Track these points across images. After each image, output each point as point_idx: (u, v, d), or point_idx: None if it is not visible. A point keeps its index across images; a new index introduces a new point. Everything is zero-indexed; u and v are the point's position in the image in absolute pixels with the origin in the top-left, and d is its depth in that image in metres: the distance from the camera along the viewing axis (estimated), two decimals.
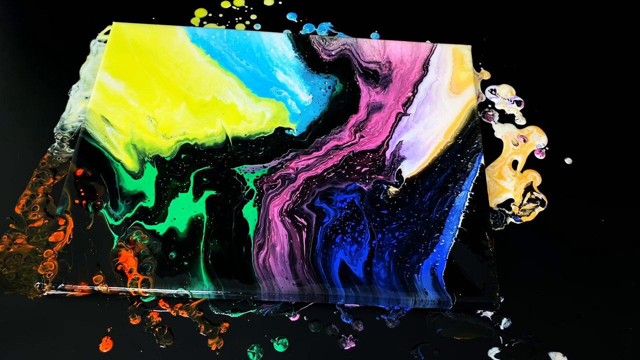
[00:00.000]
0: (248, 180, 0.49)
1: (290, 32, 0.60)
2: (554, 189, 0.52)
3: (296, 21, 0.61)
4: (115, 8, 0.61)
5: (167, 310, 0.45)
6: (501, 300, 0.46)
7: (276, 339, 0.44)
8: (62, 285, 0.43)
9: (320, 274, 0.45)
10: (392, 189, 0.49)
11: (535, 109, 0.57)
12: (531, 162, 0.54)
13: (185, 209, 0.47)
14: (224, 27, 0.60)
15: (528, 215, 0.51)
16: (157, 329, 0.44)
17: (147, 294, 0.45)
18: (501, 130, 0.56)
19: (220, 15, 0.61)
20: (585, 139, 0.56)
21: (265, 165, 0.50)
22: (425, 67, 0.56)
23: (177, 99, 0.53)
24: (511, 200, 0.52)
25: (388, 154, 0.51)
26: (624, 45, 0.63)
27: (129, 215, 0.46)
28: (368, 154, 0.51)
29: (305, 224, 0.47)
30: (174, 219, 0.47)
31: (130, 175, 0.49)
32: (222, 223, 0.47)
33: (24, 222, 0.47)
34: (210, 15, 0.61)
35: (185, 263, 0.45)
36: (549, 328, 0.46)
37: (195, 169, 0.49)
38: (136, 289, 0.44)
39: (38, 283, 0.44)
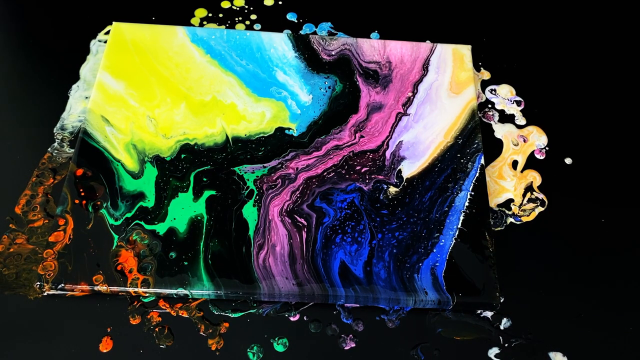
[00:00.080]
0: (248, 180, 0.49)
1: (290, 32, 0.60)
2: (554, 189, 0.52)
3: (296, 21, 0.61)
4: (115, 8, 0.61)
5: (167, 310, 0.45)
6: (501, 300, 0.46)
7: (276, 339, 0.44)
8: (62, 285, 0.43)
9: (320, 274, 0.45)
10: (392, 189, 0.49)
11: (535, 109, 0.57)
12: (531, 162, 0.54)
13: (185, 209, 0.47)
14: (224, 27, 0.60)
15: (528, 215, 0.51)
16: (157, 329, 0.44)
17: (147, 294, 0.45)
18: (501, 130, 0.56)
19: (220, 15, 0.61)
20: (585, 139, 0.56)
21: (265, 165, 0.50)
22: (425, 67, 0.56)
23: (177, 99, 0.53)
24: (511, 200, 0.52)
25: (388, 154, 0.51)
26: (624, 45, 0.63)
27: (129, 215, 0.46)
28: (368, 154, 0.51)
29: (305, 224, 0.47)
30: (174, 219, 0.47)
31: (130, 175, 0.49)
32: (222, 223, 0.47)
33: (24, 222, 0.47)
34: (210, 15, 0.61)
35: (185, 263, 0.45)
36: (549, 328, 0.46)
37: (195, 169, 0.49)
38: (136, 289, 0.44)
39: (38, 283, 0.44)
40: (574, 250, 0.50)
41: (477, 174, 0.50)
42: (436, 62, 0.57)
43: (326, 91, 0.54)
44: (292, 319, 0.45)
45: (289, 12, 0.62)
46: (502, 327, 0.46)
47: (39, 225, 0.47)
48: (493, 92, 0.58)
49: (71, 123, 0.53)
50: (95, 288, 0.44)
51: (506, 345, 0.45)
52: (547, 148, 0.55)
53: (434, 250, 0.46)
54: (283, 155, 0.50)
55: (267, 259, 0.45)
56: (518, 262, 0.49)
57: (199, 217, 0.47)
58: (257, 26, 0.61)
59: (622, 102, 0.59)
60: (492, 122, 0.56)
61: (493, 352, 0.45)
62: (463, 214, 0.48)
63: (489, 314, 0.46)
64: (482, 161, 0.51)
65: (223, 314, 0.45)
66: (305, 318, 0.45)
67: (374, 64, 0.56)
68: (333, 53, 0.57)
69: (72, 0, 0.62)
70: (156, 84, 0.53)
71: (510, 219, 0.51)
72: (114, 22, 0.57)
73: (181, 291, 0.44)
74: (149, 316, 0.44)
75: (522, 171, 0.53)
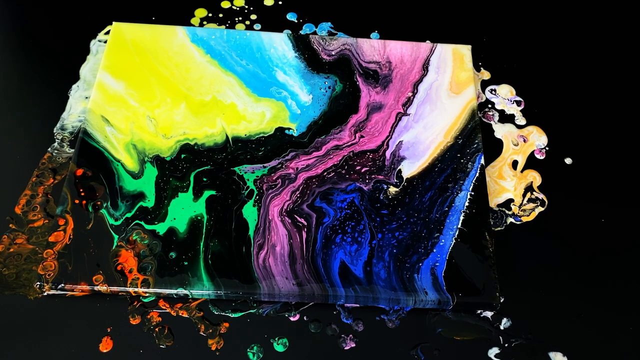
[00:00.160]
0: (248, 180, 0.49)
1: (290, 32, 0.60)
2: (554, 189, 0.52)
3: (296, 21, 0.61)
4: (115, 8, 0.61)
5: (167, 310, 0.45)
6: (501, 300, 0.46)
7: (276, 339, 0.44)
8: (62, 285, 0.43)
9: (320, 274, 0.45)
10: (392, 189, 0.49)
11: (535, 109, 0.57)
12: (531, 162, 0.54)
13: (185, 209, 0.47)
14: (224, 27, 0.60)
15: (528, 215, 0.51)
16: (157, 329, 0.44)
17: (147, 294, 0.45)
18: (501, 130, 0.56)
19: (220, 15, 0.61)
20: (585, 139, 0.56)
21: (265, 165, 0.50)
22: (425, 67, 0.56)
23: (177, 99, 0.53)
24: (511, 200, 0.52)
25: (388, 154, 0.51)
26: (624, 45, 0.63)
27: (129, 215, 0.46)
28: (368, 154, 0.51)
29: (305, 224, 0.47)
30: (174, 219, 0.47)
31: (130, 175, 0.49)
32: (222, 223, 0.47)
33: (24, 222, 0.47)
34: (210, 15, 0.61)
35: (185, 263, 0.45)
36: (549, 328, 0.46)
37: (195, 169, 0.49)
38: (136, 289, 0.44)
39: (38, 283, 0.44)
40: (574, 250, 0.50)
41: (477, 174, 0.50)
42: (436, 62, 0.57)
43: (326, 91, 0.54)
44: (292, 319, 0.45)
45: (289, 12, 0.62)
46: (502, 327, 0.46)
47: (39, 225, 0.47)
48: (493, 92, 0.58)
49: (71, 123, 0.53)
50: (95, 288, 0.44)
51: (506, 345, 0.45)
52: (547, 148, 0.55)
53: (434, 250, 0.46)
54: (283, 155, 0.50)
55: (267, 259, 0.45)
56: (518, 262, 0.49)
57: (199, 217, 0.47)
58: (257, 26, 0.61)
59: (622, 102, 0.59)
60: (492, 122, 0.56)
61: (493, 352, 0.45)
62: (463, 214, 0.48)
63: (489, 314, 0.46)
64: (482, 161, 0.51)
65: (223, 314, 0.45)
66: (305, 318, 0.45)
67: (374, 64, 0.56)
68: (333, 53, 0.57)
69: (72, 0, 0.62)
70: (156, 84, 0.53)
71: (510, 219, 0.51)
72: (114, 22, 0.57)
73: (181, 291, 0.44)
74: (149, 316, 0.44)
75: (522, 171, 0.53)
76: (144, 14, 0.61)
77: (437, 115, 0.53)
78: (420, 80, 0.55)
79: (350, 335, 0.45)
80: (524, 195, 0.52)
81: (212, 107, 0.53)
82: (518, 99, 0.58)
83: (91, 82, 0.55)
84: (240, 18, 0.61)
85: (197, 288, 0.44)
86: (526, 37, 0.63)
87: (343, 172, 0.50)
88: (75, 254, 0.45)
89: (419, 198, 0.49)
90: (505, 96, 0.58)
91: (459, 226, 0.48)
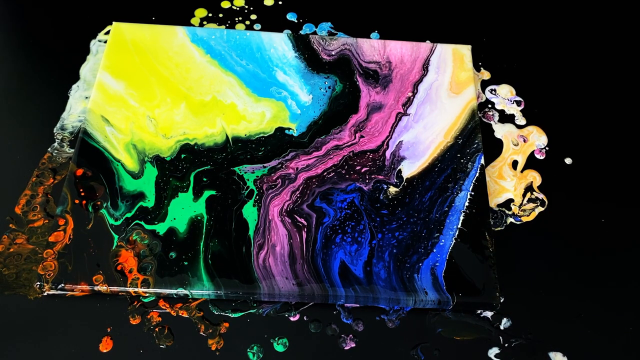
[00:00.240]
0: (248, 180, 0.49)
1: (290, 32, 0.60)
2: (554, 189, 0.52)
3: (296, 21, 0.61)
4: (115, 8, 0.61)
5: (167, 310, 0.45)
6: (501, 300, 0.46)
7: (276, 339, 0.44)
8: (62, 285, 0.43)
9: (320, 274, 0.45)
10: (392, 189, 0.49)
11: (535, 109, 0.57)
12: (531, 162, 0.54)
13: (185, 209, 0.47)
14: (224, 27, 0.60)
15: (528, 215, 0.51)
16: (157, 329, 0.44)
17: (147, 294, 0.45)
18: (501, 130, 0.56)
19: (220, 15, 0.61)
20: (585, 139, 0.56)
21: (265, 165, 0.50)
22: (425, 67, 0.56)
23: (177, 99, 0.53)
24: (511, 200, 0.52)
25: (388, 154, 0.51)
26: (624, 45, 0.63)
27: (129, 215, 0.46)
28: (368, 154, 0.51)
29: (305, 224, 0.47)
30: (174, 219, 0.47)
31: (130, 175, 0.49)
32: (222, 223, 0.47)
33: (24, 222, 0.47)
34: (210, 15, 0.61)
35: (185, 263, 0.45)
36: (549, 328, 0.46)
37: (195, 169, 0.49)
38: (136, 289, 0.44)
39: (38, 283, 0.44)
40: (574, 250, 0.50)
41: (477, 174, 0.50)
42: (436, 62, 0.57)
43: (326, 91, 0.54)
44: (292, 319, 0.45)
45: (289, 12, 0.62)
46: (502, 327, 0.46)
47: (39, 225, 0.47)
48: (493, 92, 0.58)
49: (71, 123, 0.53)
50: (95, 288, 0.44)
51: (506, 345, 0.45)
52: (547, 148, 0.55)
53: (434, 250, 0.46)
54: (283, 155, 0.50)
55: (267, 259, 0.45)
56: (518, 262, 0.49)
57: (199, 217, 0.47)
58: (257, 26, 0.61)
59: (622, 102, 0.59)
60: (492, 122, 0.56)
61: (493, 352, 0.45)
62: (463, 214, 0.48)
63: (489, 314, 0.46)
64: (482, 161, 0.51)
65: (223, 314, 0.45)
66: (305, 318, 0.45)
67: (374, 64, 0.56)
68: (333, 53, 0.57)
69: (72, 0, 0.62)
70: (156, 84, 0.53)
71: (510, 219, 0.51)
72: (114, 22, 0.57)
73: (181, 291, 0.44)
74: (149, 316, 0.44)
75: (522, 171, 0.53)
76: (144, 14, 0.61)
77: (437, 115, 0.53)
78: (420, 80, 0.55)
79: (350, 335, 0.45)
80: (524, 195, 0.52)
81: (212, 107, 0.53)
82: (518, 99, 0.58)
83: (91, 82, 0.55)
84: (240, 18, 0.61)
85: (197, 288, 0.44)
86: (526, 37, 0.63)
87: (343, 172, 0.50)
88: (75, 254, 0.45)
89: (419, 198, 0.49)
90: (505, 96, 0.58)
91: (459, 226, 0.48)
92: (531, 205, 0.51)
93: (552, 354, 0.45)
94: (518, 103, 0.57)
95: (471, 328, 0.45)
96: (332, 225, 0.47)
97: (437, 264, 0.46)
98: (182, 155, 0.50)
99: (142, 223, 0.46)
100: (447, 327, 0.45)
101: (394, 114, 0.53)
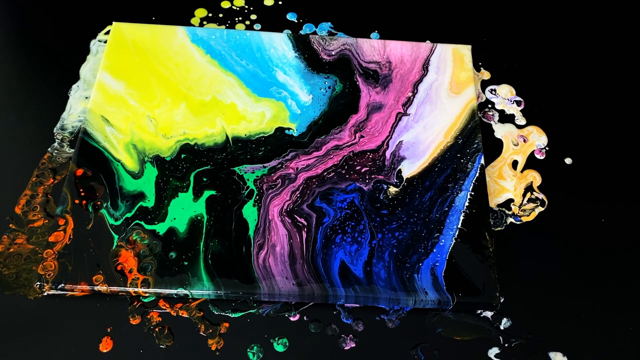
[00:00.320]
0: (248, 180, 0.49)
1: (290, 32, 0.60)
2: (554, 189, 0.52)
3: (296, 21, 0.61)
4: (115, 8, 0.61)
5: (167, 310, 0.45)
6: (501, 300, 0.46)
7: (276, 339, 0.44)
8: (62, 285, 0.43)
9: (320, 274, 0.45)
10: (392, 189, 0.49)
11: (535, 109, 0.57)
12: (531, 162, 0.54)
13: (185, 209, 0.47)
14: (224, 27, 0.60)
15: (528, 215, 0.51)
16: (157, 329, 0.44)
17: (147, 294, 0.45)
18: (501, 130, 0.56)
19: (220, 15, 0.61)
20: (585, 139, 0.56)
21: (265, 165, 0.50)
22: (425, 67, 0.56)
23: (177, 99, 0.53)
24: (511, 200, 0.52)
25: (388, 154, 0.51)
26: (624, 45, 0.63)
27: (129, 215, 0.46)
28: (368, 154, 0.51)
29: (305, 224, 0.47)
30: (174, 219, 0.47)
31: (130, 175, 0.49)
32: (222, 223, 0.47)
33: (24, 222, 0.47)
34: (210, 15, 0.61)
35: (185, 263, 0.45)
36: (549, 328, 0.46)
37: (195, 169, 0.49)
38: (136, 289, 0.44)
39: (38, 283, 0.44)
40: (573, 250, 0.50)
41: (477, 174, 0.50)
42: (436, 62, 0.57)
43: (326, 91, 0.54)
44: (292, 319, 0.45)
45: (289, 12, 0.62)
46: (502, 327, 0.46)
47: (39, 225, 0.47)
48: (493, 92, 0.58)
49: (71, 123, 0.53)
50: (95, 288, 0.44)
51: (506, 345, 0.45)
52: (547, 148, 0.55)
53: (434, 250, 0.46)
54: (283, 155, 0.50)
55: (267, 259, 0.45)
56: (518, 262, 0.49)
57: (199, 217, 0.47)
58: (257, 26, 0.61)
59: (622, 102, 0.59)
60: (492, 122, 0.56)
61: (493, 352, 0.45)
62: (463, 214, 0.48)
63: (489, 314, 0.46)
64: (482, 161, 0.51)
65: (223, 314, 0.45)
66: (305, 318, 0.45)
67: (374, 64, 0.56)
68: (333, 53, 0.57)
69: (72, 0, 0.62)
70: (156, 84, 0.53)
71: (510, 219, 0.51)
72: (114, 22, 0.57)
73: (181, 291, 0.44)
74: (149, 316, 0.44)
75: (522, 171, 0.53)
76: (144, 14, 0.61)
77: (437, 115, 0.53)
78: (420, 80, 0.55)
79: (350, 335, 0.45)
80: (524, 195, 0.52)
81: (212, 107, 0.53)
82: (518, 99, 0.58)
83: (91, 82, 0.55)
84: (240, 18, 0.61)
85: (197, 288, 0.44)
86: (526, 37, 0.63)
87: (343, 172, 0.50)
88: (75, 254, 0.45)
89: (419, 198, 0.49)
90: (505, 96, 0.58)
91: (459, 226, 0.48)
92: (531, 205, 0.51)
93: (552, 354, 0.45)
94: (518, 103, 0.57)
95: (471, 328, 0.45)
96: (332, 225, 0.47)
97: (437, 264, 0.46)
98: (182, 155, 0.50)
99: (142, 223, 0.46)
100: (447, 327, 0.45)
101: (394, 114, 0.53)
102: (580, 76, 0.60)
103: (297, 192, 0.48)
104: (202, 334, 0.44)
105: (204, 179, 0.49)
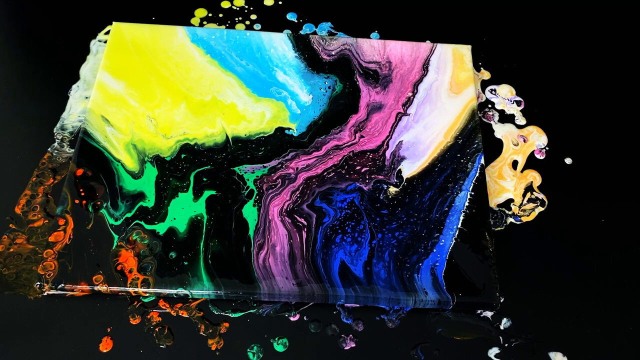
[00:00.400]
0: (248, 180, 0.49)
1: (290, 32, 0.60)
2: (554, 189, 0.52)
3: (296, 21, 0.61)
4: (115, 8, 0.61)
5: (167, 310, 0.45)
6: (501, 300, 0.46)
7: (276, 339, 0.44)
8: (62, 285, 0.43)
9: (320, 274, 0.45)
10: (392, 189, 0.49)
11: (535, 109, 0.57)
12: (531, 162, 0.54)
13: (185, 209, 0.47)
14: (224, 27, 0.60)
15: (528, 215, 0.51)
16: (157, 329, 0.44)
17: (147, 294, 0.45)
18: (501, 130, 0.56)
19: (220, 15, 0.61)
20: (585, 139, 0.56)
21: (265, 165, 0.50)
22: (425, 67, 0.56)
23: (177, 99, 0.53)
24: (511, 200, 0.52)
25: (388, 154, 0.51)
26: (624, 45, 0.63)
27: (129, 215, 0.46)
28: (368, 154, 0.51)
29: (305, 223, 0.47)
30: (174, 219, 0.47)
31: (130, 175, 0.49)
32: (222, 223, 0.47)
33: (24, 222, 0.47)
34: (210, 15, 0.61)
35: (185, 263, 0.45)
36: (549, 328, 0.46)
37: (195, 169, 0.49)
38: (136, 289, 0.44)
39: (38, 283, 0.44)
40: (574, 250, 0.50)
41: (477, 174, 0.50)
42: (436, 62, 0.57)
43: (326, 91, 0.54)
44: (292, 319, 0.45)
45: (289, 12, 0.62)
46: (502, 327, 0.46)
47: (39, 225, 0.47)
48: (493, 92, 0.58)
49: (71, 123, 0.53)
50: (95, 288, 0.44)
51: (506, 345, 0.45)
52: (547, 148, 0.55)
53: (434, 250, 0.46)
54: (283, 155, 0.50)
55: (267, 259, 0.45)
56: (518, 262, 0.49)
57: (199, 217, 0.47)
58: (257, 26, 0.61)
59: (622, 102, 0.59)
60: (492, 122, 0.56)
61: (493, 352, 0.45)
62: (463, 214, 0.48)
63: (489, 314, 0.46)
64: (482, 161, 0.51)
65: (223, 314, 0.45)
66: (305, 318, 0.45)
67: (374, 64, 0.56)
68: (333, 53, 0.57)
69: (72, 0, 0.62)
70: (156, 84, 0.53)
71: (510, 219, 0.51)
72: (114, 22, 0.57)
73: (181, 291, 0.44)
74: (149, 316, 0.44)
75: (522, 171, 0.53)
76: (144, 14, 0.61)
77: (437, 115, 0.53)
78: (420, 80, 0.55)
79: (350, 335, 0.45)
80: (524, 195, 0.52)
81: (212, 107, 0.53)
82: (518, 99, 0.58)
83: (91, 82, 0.55)
84: (240, 18, 0.61)
85: (197, 288, 0.44)
86: (526, 37, 0.63)
87: (343, 172, 0.50)
88: (75, 254, 0.45)
89: (419, 198, 0.49)
90: (505, 96, 0.58)
91: (459, 226, 0.48)
92: (531, 205, 0.51)
93: (552, 354, 0.45)
94: (518, 103, 0.57)
95: (471, 328, 0.45)
96: (332, 225, 0.47)
97: (437, 264, 0.46)
98: (182, 155, 0.50)
99: (142, 223, 0.46)
100: (447, 327, 0.45)
101: (394, 114, 0.53)
102: (580, 76, 0.60)
103: (297, 192, 0.48)
104: (202, 334, 0.44)
105: (204, 179, 0.49)
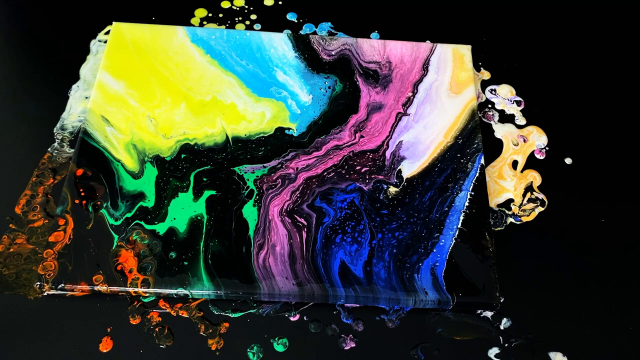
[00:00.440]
0: (248, 180, 0.49)
1: (290, 32, 0.60)
2: (554, 189, 0.52)
3: (296, 21, 0.61)
4: (115, 8, 0.61)
5: (167, 310, 0.45)
6: (501, 300, 0.46)
7: (276, 339, 0.44)
8: (62, 285, 0.43)
9: (320, 274, 0.45)
10: (392, 189, 0.49)
11: (535, 109, 0.57)
12: (531, 162, 0.54)
13: (185, 209, 0.47)
14: (224, 27, 0.60)
15: (528, 215, 0.51)
16: (157, 329, 0.44)
17: (147, 294, 0.45)
18: (501, 130, 0.56)
19: (220, 15, 0.61)
20: (585, 139, 0.56)
21: (265, 165, 0.50)
22: (425, 67, 0.56)
23: (177, 99, 0.53)
24: (511, 200, 0.52)
25: (388, 154, 0.51)
26: (623, 45, 0.63)
27: (129, 215, 0.46)
28: (368, 154, 0.51)
29: (305, 223, 0.47)
30: (174, 219, 0.47)
31: (130, 175, 0.49)
32: (222, 223, 0.47)
33: (24, 222, 0.47)
34: (210, 15, 0.61)
35: (185, 263, 0.45)
36: (549, 328, 0.46)
37: (195, 169, 0.49)
38: (136, 289, 0.44)
39: (38, 283, 0.44)
40: (573, 250, 0.50)
41: (477, 174, 0.50)
42: (436, 62, 0.57)
43: (326, 91, 0.54)
44: (292, 319, 0.45)
45: (289, 12, 0.62)
46: (502, 327, 0.46)
47: (39, 225, 0.47)
48: (493, 92, 0.58)
49: (71, 123, 0.53)
50: (95, 288, 0.44)
51: (506, 345, 0.45)
52: (547, 148, 0.55)
53: (434, 250, 0.46)
54: (283, 155, 0.50)
55: (267, 259, 0.45)
56: (518, 262, 0.49)
57: (199, 217, 0.47)
58: (257, 26, 0.61)
59: (622, 102, 0.59)
60: (492, 122, 0.56)
61: (493, 352, 0.45)
62: (463, 214, 0.48)
63: (489, 314, 0.46)
64: (482, 161, 0.51)
65: (223, 314, 0.45)
66: (305, 318, 0.45)
67: (374, 64, 0.56)
68: (333, 53, 0.57)
69: (72, 0, 0.62)
70: (156, 84, 0.53)
71: (510, 219, 0.51)
72: (114, 22, 0.57)
73: (181, 291, 0.44)
74: (149, 316, 0.44)
75: (522, 171, 0.53)
76: (144, 14, 0.61)
77: (437, 115, 0.53)
78: (420, 80, 0.55)
79: (350, 335, 0.45)
80: (524, 195, 0.52)
81: (212, 107, 0.53)
82: (518, 99, 0.58)
83: (91, 82, 0.55)
84: (240, 18, 0.61)
85: (197, 288, 0.44)
86: (526, 37, 0.63)
87: (343, 172, 0.50)
88: (75, 254, 0.45)
89: (419, 198, 0.49)
90: (505, 96, 0.58)
91: (459, 226, 0.48)
92: (531, 205, 0.51)
93: (552, 354, 0.45)
94: (518, 103, 0.57)
95: (471, 328, 0.45)
96: (332, 225, 0.47)
97: (437, 264, 0.46)
98: (182, 155, 0.50)
99: (142, 223, 0.46)
100: (447, 327, 0.45)
101: (394, 114, 0.53)
102: (580, 76, 0.60)
103: (297, 192, 0.48)
104: (202, 334, 0.44)
105: (204, 179, 0.49)
